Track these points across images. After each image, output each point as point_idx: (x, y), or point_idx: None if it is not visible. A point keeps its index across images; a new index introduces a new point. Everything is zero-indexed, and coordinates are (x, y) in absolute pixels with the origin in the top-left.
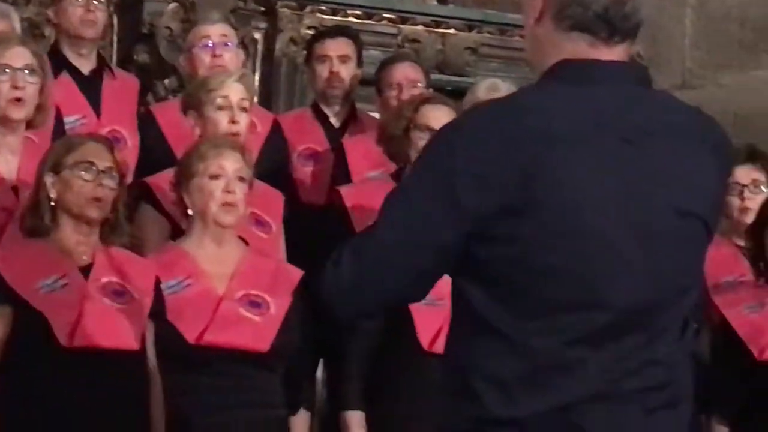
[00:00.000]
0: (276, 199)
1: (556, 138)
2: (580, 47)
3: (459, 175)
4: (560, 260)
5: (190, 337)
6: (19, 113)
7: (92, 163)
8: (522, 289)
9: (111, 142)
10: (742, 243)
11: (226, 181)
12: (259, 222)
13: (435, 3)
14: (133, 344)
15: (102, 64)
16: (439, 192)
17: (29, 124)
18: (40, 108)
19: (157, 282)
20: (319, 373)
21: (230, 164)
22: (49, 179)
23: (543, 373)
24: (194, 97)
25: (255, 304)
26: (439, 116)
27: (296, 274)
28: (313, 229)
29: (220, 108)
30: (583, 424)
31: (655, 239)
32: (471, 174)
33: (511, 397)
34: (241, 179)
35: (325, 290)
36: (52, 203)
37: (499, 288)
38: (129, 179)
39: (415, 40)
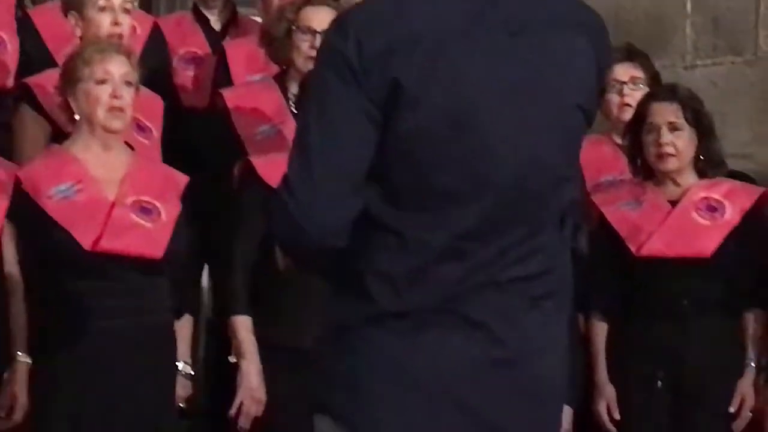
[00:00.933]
0: (156, 103)
1: (441, 33)
2: None
3: (357, 70)
4: (448, 151)
5: (86, 243)
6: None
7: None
8: (412, 183)
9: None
10: (619, 141)
11: (112, 86)
12: (140, 127)
13: None
14: None
15: None
16: (346, 91)
17: None
18: None
19: (31, 187)
20: (205, 280)
21: (116, 69)
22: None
23: (432, 266)
24: None
25: (146, 210)
26: (321, 17)
27: (182, 179)
28: (196, 133)
29: (102, 9)
30: (470, 314)
31: (538, 129)
32: (365, 67)
33: (400, 291)
34: (128, 83)
35: (283, 223)
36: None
37: (391, 184)
38: (10, 83)
39: None
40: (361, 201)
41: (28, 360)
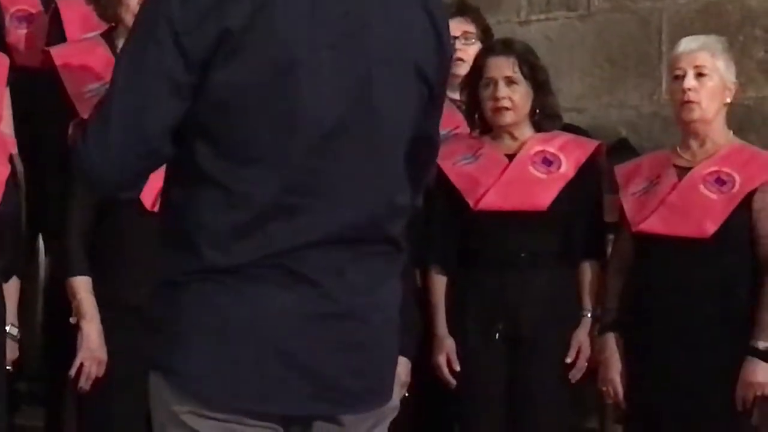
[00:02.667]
0: (2, 61)
1: None
2: None
3: (179, 31)
4: (269, 103)
5: None
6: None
7: None
8: (236, 135)
9: None
10: (456, 96)
11: None
12: None
13: None
14: None
15: None
16: (164, 44)
17: None
18: None
19: None
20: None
21: None
22: None
23: (260, 221)
24: None
25: None
26: None
27: (11, 140)
28: (29, 92)
29: None
30: (299, 269)
31: (369, 88)
32: (189, 24)
33: (228, 246)
34: None
35: (86, 166)
36: None
37: (216, 137)
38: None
39: None
40: (158, 161)
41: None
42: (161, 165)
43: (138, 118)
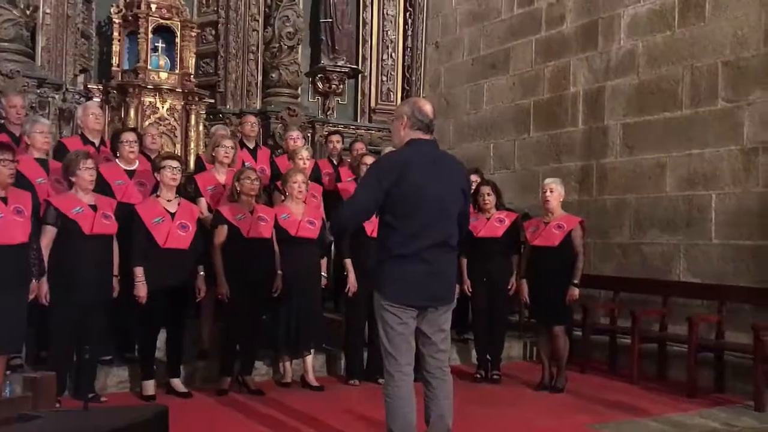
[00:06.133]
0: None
1: (409, 162)
2: (418, 134)
3: (380, 175)
4: (413, 203)
5: None
6: None
7: None
8: (401, 212)
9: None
10: None
11: None
12: None
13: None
14: None
15: None
16: (375, 181)
17: None
18: None
19: None
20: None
21: None
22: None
23: (410, 239)
24: None
25: None
26: None
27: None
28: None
29: None
30: (427, 258)
31: (449, 197)
32: (383, 175)
33: (399, 248)
34: None
35: (341, 220)
36: None
37: (393, 212)
38: None
39: None
40: (372, 215)
41: None
42: (369, 218)
43: (365, 201)
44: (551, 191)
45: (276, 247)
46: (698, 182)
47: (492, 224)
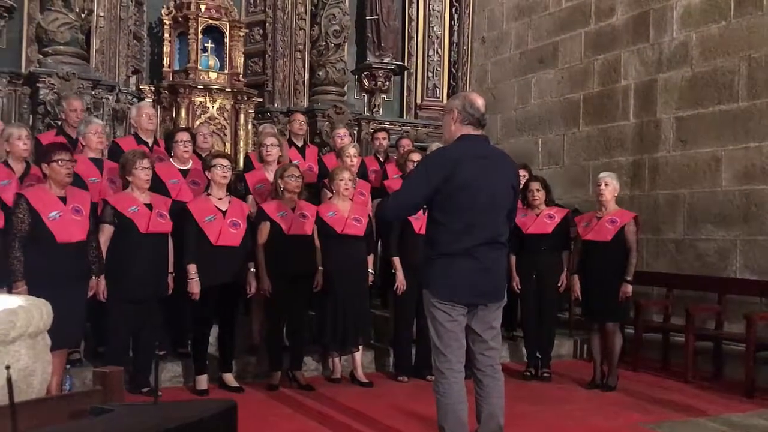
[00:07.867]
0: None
1: (460, 159)
2: (468, 130)
3: (429, 171)
4: (463, 200)
5: None
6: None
7: None
8: (450, 209)
9: None
10: None
11: None
12: None
13: None
14: None
15: None
16: (424, 177)
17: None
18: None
19: None
20: None
21: None
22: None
23: (460, 236)
24: None
25: None
26: None
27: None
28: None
29: None
30: (477, 255)
31: (499, 194)
32: (433, 171)
33: (449, 245)
34: None
35: (385, 211)
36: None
37: (443, 209)
38: None
39: None
40: (418, 210)
41: None
42: (416, 213)
43: (412, 195)
44: (606, 185)
45: (317, 243)
46: (756, 176)
47: (541, 221)
